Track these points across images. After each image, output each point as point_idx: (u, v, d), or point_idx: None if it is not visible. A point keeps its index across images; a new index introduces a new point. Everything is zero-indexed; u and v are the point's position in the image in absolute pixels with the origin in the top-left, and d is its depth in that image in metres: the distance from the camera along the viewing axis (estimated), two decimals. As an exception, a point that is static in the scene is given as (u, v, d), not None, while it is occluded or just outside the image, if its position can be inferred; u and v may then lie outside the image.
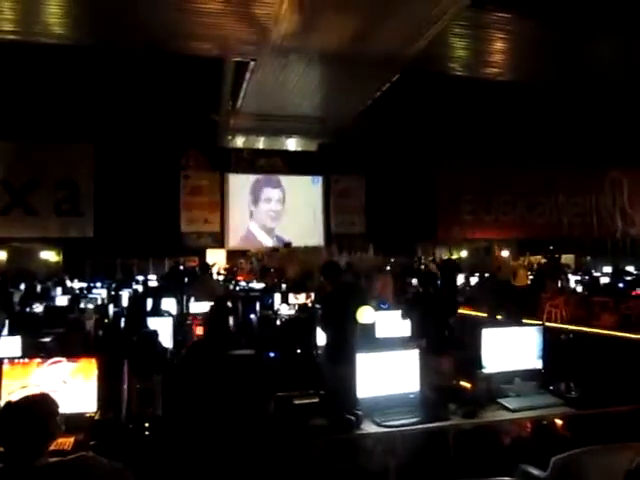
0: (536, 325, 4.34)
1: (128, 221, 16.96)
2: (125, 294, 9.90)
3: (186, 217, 19.03)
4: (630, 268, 17.05)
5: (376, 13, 10.09)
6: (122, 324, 6.55)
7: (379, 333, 5.47)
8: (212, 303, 5.38)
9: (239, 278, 15.48)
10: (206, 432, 3.22)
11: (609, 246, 22.03)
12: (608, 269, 17.27)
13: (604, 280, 14.21)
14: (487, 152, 19.54)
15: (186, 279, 12.91)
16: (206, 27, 10.86)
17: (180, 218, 18.92)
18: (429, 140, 18.52)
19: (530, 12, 10.70)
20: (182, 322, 6.88)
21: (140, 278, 15.10)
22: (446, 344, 4.67)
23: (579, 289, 13.91)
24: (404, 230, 18.75)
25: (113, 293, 10.99)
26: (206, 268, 11.11)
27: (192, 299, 8.57)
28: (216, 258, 17.94)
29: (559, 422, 3.80)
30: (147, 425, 3.15)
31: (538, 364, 3.91)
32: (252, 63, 12.40)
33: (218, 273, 15.32)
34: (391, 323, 5.62)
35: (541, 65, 13.18)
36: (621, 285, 12.94)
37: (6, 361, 3.24)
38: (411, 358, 3.54)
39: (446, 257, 19.73)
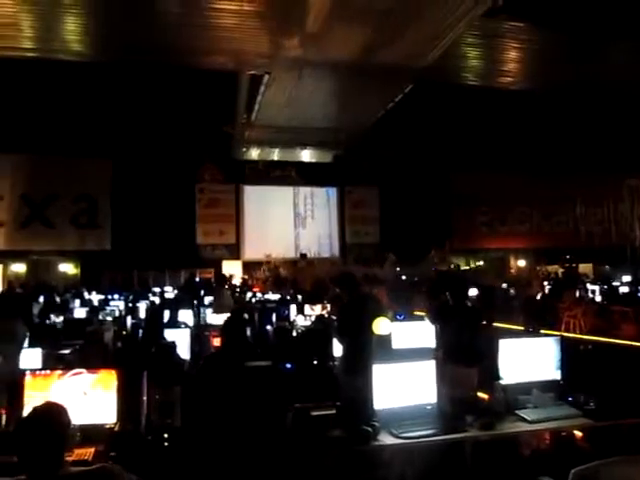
0: (554, 336, 4.31)
1: (145, 234, 17.15)
2: (142, 306, 9.98)
3: (202, 229, 19.19)
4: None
5: (389, 24, 10.18)
6: (140, 336, 6.60)
7: (395, 344, 5.45)
8: (228, 314, 5.42)
9: (255, 289, 15.53)
10: (224, 443, 3.24)
11: (628, 254, 21.72)
12: (627, 278, 17.04)
13: (623, 289, 14.03)
14: (502, 162, 19.46)
15: (202, 291, 13.00)
16: (220, 41, 11.02)
17: (196, 230, 19.07)
18: (443, 150, 18.51)
19: (543, 21, 10.70)
20: (199, 333, 6.92)
21: (157, 290, 15.21)
22: (476, 356, 4.64)
23: (598, 299, 13.75)
24: (418, 240, 18.69)
25: (130, 305, 11.08)
26: (223, 280, 11.18)
27: (208, 310, 8.63)
28: (232, 270, 18.04)
29: (578, 434, 3.76)
30: (166, 436, 3.18)
31: (556, 375, 3.88)
32: (266, 76, 12.53)
33: (234, 285, 15.42)
34: (408, 334, 5.61)
35: (555, 73, 13.14)
36: (640, 294, 12.78)
37: (28, 373, 3.30)
38: (428, 369, 3.54)
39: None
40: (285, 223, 20.34)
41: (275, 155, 19.23)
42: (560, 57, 12.21)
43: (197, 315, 8.65)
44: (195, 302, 10.76)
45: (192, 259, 18.24)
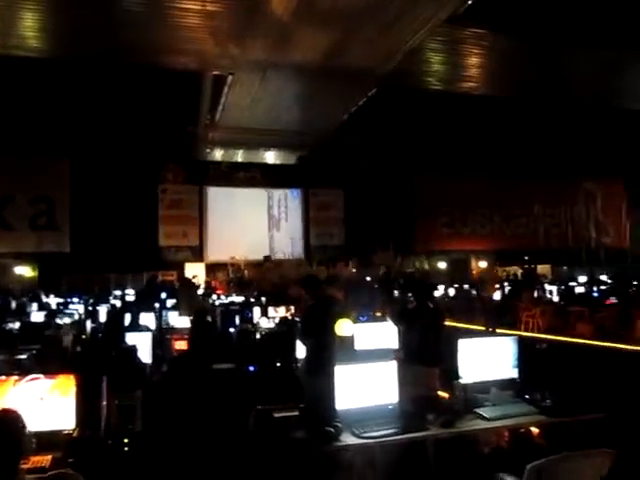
0: (512, 335, 4.42)
1: (105, 235, 16.82)
2: (103, 309, 9.78)
3: (164, 231, 18.93)
4: (604, 277, 17.36)
5: (353, 29, 10.26)
6: (100, 340, 6.47)
7: (358, 345, 5.49)
8: (192, 317, 5.37)
9: (218, 291, 15.42)
10: (187, 446, 3.21)
11: (584, 256, 22.40)
12: (583, 279, 17.56)
13: (579, 290, 14.45)
14: (464, 166, 19.82)
15: (164, 294, 12.82)
16: (183, 41, 10.91)
17: (158, 232, 18.80)
18: (407, 154, 18.73)
19: (504, 28, 10.95)
20: (161, 337, 6.83)
21: (118, 293, 14.94)
22: (437, 356, 4.73)
23: (555, 299, 14.14)
24: (383, 242, 18.86)
25: (90, 308, 10.86)
26: (191, 282, 11.09)
27: (171, 313, 8.53)
28: (195, 272, 17.84)
29: (535, 430, 3.86)
30: (127, 441, 3.14)
31: (514, 373, 3.97)
32: (230, 77, 12.46)
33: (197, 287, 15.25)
34: (370, 335, 5.65)
35: (515, 79, 13.47)
36: (596, 294, 13.18)
37: (-18, 379, 3.20)
38: (390, 370, 3.58)
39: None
40: (258, 225, 20.23)
41: (239, 156, 19.13)
42: (520, 63, 12.50)
43: (159, 318, 8.53)
44: (157, 305, 10.62)
45: (154, 261, 17.95)
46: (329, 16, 9.85)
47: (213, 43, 10.96)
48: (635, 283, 13.89)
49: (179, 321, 8.19)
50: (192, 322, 6.32)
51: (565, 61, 12.50)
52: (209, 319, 7.88)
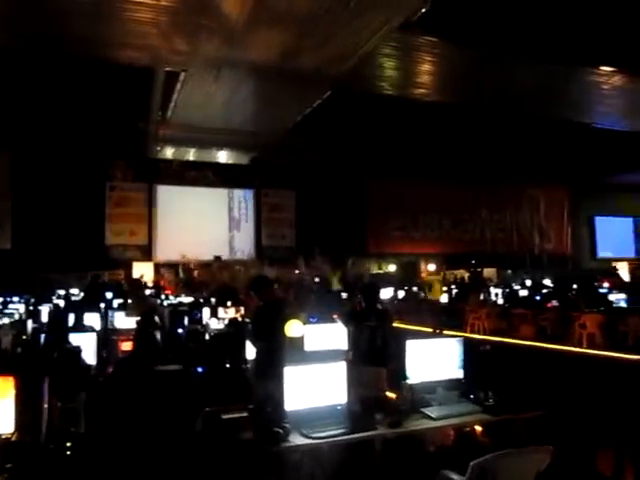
0: (458, 337, 4.53)
1: (49, 232, 16.25)
2: (45, 309, 9.47)
3: (111, 229, 18.45)
4: (547, 281, 18.00)
5: (308, 31, 10.29)
6: (42, 340, 6.26)
7: (308, 346, 5.51)
8: (138, 318, 5.26)
9: (167, 292, 15.15)
10: (132, 450, 3.14)
11: (528, 260, 23.17)
12: (527, 282, 18.15)
13: (523, 293, 14.93)
14: (415, 170, 20.19)
15: (110, 293, 12.52)
16: (135, 36, 10.66)
17: (105, 230, 18.31)
18: (359, 157, 18.93)
19: (455, 37, 11.20)
20: (107, 338, 6.66)
21: (61, 292, 14.47)
22: (385, 357, 4.81)
23: (500, 301, 14.58)
24: (334, 244, 18.99)
25: (32, 308, 10.48)
26: (140, 283, 10.88)
27: (117, 314, 8.33)
28: (143, 271, 17.49)
29: (478, 428, 3.98)
30: (69, 445, 3.04)
31: (459, 374, 4.08)
32: (183, 74, 12.27)
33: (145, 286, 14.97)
34: (320, 336, 5.68)
35: (465, 87, 13.79)
36: (538, 298, 13.65)
37: None
38: (339, 370, 3.61)
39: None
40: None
41: (191, 155, 18.86)
42: (470, 72, 12.81)
43: (105, 318, 8.32)
44: (103, 305, 10.36)
45: (100, 260, 17.48)
46: (284, 17, 9.85)
47: (165, 39, 10.75)
48: (575, 287, 14.46)
49: (126, 322, 8.02)
50: (138, 323, 6.19)
51: (512, 72, 12.89)
52: (157, 320, 7.74)
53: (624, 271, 20.49)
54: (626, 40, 10.84)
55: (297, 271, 17.23)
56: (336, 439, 3.20)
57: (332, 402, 3.51)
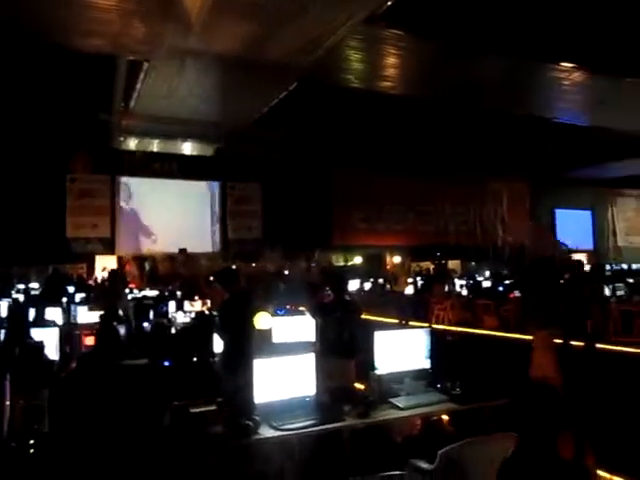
0: (424, 327, 4.59)
1: (8, 225, 15.76)
2: (4, 304, 9.19)
3: (73, 222, 18.01)
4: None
5: (273, 22, 10.21)
6: (1, 336, 6.08)
7: (276, 338, 5.50)
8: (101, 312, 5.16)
9: (131, 285, 14.90)
10: (97, 446, 3.08)
11: (491, 252, 23.61)
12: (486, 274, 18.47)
13: (486, 284, 15.20)
14: (380, 162, 20.31)
15: (72, 287, 12.25)
16: (96, 23, 10.39)
17: (66, 223, 17.87)
18: (325, 149, 18.93)
19: (420, 31, 11.28)
20: (69, 332, 6.52)
21: (21, 286, 14.07)
22: (353, 348, 4.84)
23: (464, 293, 14.82)
24: (301, 236, 19.00)
25: (-10, 303, 10.16)
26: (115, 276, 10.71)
27: (80, 308, 8.17)
28: (106, 265, 17.15)
29: (445, 417, 4.05)
30: (32, 442, 2.96)
31: (426, 364, 4.14)
32: (146, 63, 12.03)
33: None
34: (288, 328, 5.68)
35: (430, 81, 13.91)
36: (500, 289, 13.92)
37: None
38: (307, 362, 3.62)
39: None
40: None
41: (154, 146, 18.52)
42: (435, 66, 12.93)
43: (67, 313, 8.14)
44: (65, 299, 10.13)
45: (61, 253, 17.07)
46: (249, 8, 9.75)
47: (128, 27, 10.51)
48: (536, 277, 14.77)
49: (87, 316, 7.87)
50: (102, 317, 6.09)
51: (475, 66, 13.05)
52: (121, 313, 7.63)
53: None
54: (586, 37, 11.10)
55: (265, 263, 17.16)
56: (305, 430, 3.21)
57: (301, 394, 3.51)
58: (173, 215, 19.22)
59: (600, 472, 3.38)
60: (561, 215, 27.37)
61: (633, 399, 5.66)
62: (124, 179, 19.23)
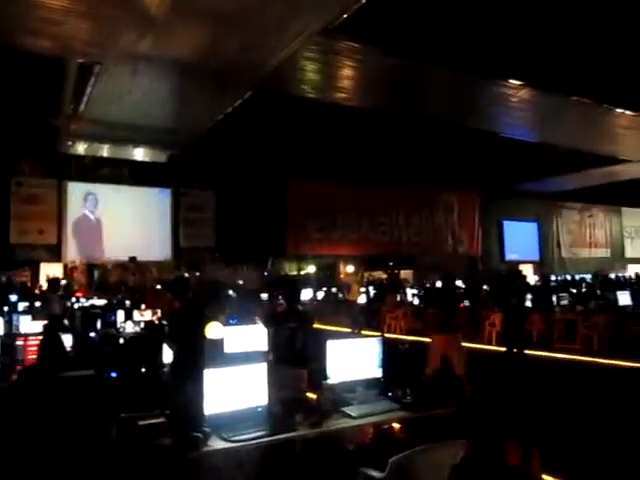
0: (376, 336, 4.62)
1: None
2: (-60, 313, 8.76)
3: (18, 227, 17.34)
4: (459, 283, 18.73)
5: (227, 30, 10.17)
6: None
7: (228, 348, 5.43)
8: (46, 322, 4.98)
9: (78, 294, 14.45)
10: (39, 461, 2.96)
11: (442, 262, 24.08)
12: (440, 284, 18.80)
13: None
14: (335, 172, 20.46)
15: (15, 296, 11.79)
16: (47, 23, 10.09)
17: (10, 228, 17.20)
18: (280, 158, 18.93)
19: (375, 43, 11.43)
20: (10, 343, 6.24)
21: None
22: (306, 358, 4.82)
23: (416, 302, 15.05)
24: (255, 245, 18.91)
25: None
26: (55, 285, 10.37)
27: (23, 317, 7.85)
28: (52, 272, 16.57)
29: (397, 426, 4.08)
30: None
31: (379, 373, 4.16)
32: (97, 66, 11.75)
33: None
34: (240, 338, 5.62)
35: (384, 93, 14.13)
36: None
37: None
38: (259, 372, 3.58)
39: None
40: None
41: (105, 151, 18.06)
42: (389, 79, 13.14)
43: (9, 322, 7.80)
44: (6, 308, 9.74)
45: (5, 260, 16.41)
46: (205, 15, 9.67)
47: (79, 29, 10.26)
48: (485, 288, 15.18)
49: (31, 326, 7.56)
50: (45, 327, 5.87)
51: (428, 80, 13.34)
52: (66, 323, 7.38)
53: (529, 273, 21.73)
54: (534, 55, 11.52)
55: (217, 272, 16.97)
56: (256, 442, 3.17)
57: (252, 404, 3.47)
58: (126, 222, 18.81)
59: (545, 476, 3.47)
60: (509, 226, 28.20)
61: (575, 404, 5.86)
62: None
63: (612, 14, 10.15)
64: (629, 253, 31.28)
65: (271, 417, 3.41)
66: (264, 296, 12.67)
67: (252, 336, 5.56)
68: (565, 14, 10.14)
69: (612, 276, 21.12)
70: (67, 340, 6.17)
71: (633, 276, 21.82)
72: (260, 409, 3.48)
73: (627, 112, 15.38)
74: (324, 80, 13.65)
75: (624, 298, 11.08)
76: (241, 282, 15.33)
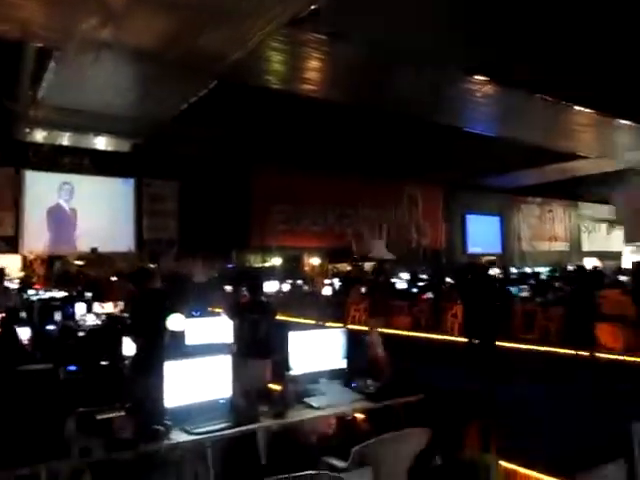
0: (340, 328, 4.64)
1: None
2: None
3: (-29, 218, 16.80)
4: (423, 275, 18.98)
5: (191, 19, 10.00)
6: None
7: (191, 340, 5.37)
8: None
9: (37, 286, 14.09)
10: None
11: (407, 255, 24.34)
12: (406, 276, 19.01)
13: (402, 285, 15.63)
14: (300, 164, 20.41)
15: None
16: (4, 6, 9.73)
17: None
18: (246, 149, 18.77)
19: (341, 35, 11.41)
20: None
21: None
22: (269, 349, 4.81)
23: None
24: (219, 237, 18.74)
25: None
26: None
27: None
28: (9, 264, 16.09)
29: (361, 416, 4.11)
30: None
31: (343, 364, 4.18)
32: (57, 52, 11.41)
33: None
34: (203, 330, 5.56)
35: (351, 87, 14.13)
36: (415, 290, 14.37)
37: None
38: (222, 364, 3.55)
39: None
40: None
41: (65, 139, 17.58)
42: (356, 72, 13.14)
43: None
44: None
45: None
46: (167, 4, 9.49)
47: (38, 13, 9.93)
48: (448, 280, 15.39)
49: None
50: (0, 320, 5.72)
51: (394, 74, 13.39)
52: (23, 315, 7.20)
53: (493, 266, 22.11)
54: (499, 52, 11.66)
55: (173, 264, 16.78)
56: (219, 434, 3.14)
57: (215, 396, 3.44)
58: (90, 213, 18.42)
59: (503, 462, 3.55)
60: (471, 220, 28.69)
61: (533, 391, 6.02)
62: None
63: (574, 15, 10.36)
64: (586, 247, 32.22)
65: (234, 409, 3.39)
66: (228, 288, 12.61)
67: (216, 328, 5.51)
68: (529, 13, 10.30)
69: (570, 268, 21.65)
70: (25, 333, 6.05)
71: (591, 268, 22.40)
72: (223, 401, 3.46)
73: (585, 110, 15.78)
74: (290, 71, 13.57)
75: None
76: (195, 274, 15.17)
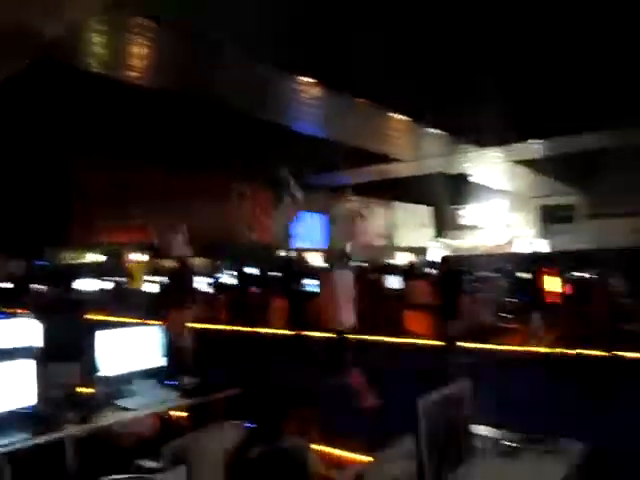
0: (158, 325, 4.52)
1: None
2: None
3: None
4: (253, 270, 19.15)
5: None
6: None
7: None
8: None
9: None
10: None
11: (237, 251, 24.35)
12: (233, 272, 19.03)
13: (232, 281, 15.64)
14: (125, 157, 19.43)
15: None
16: None
17: None
18: (64, 139, 17.33)
19: (165, 21, 10.98)
20: None
21: None
22: (77, 350, 4.50)
23: (210, 290, 15.08)
24: (33, 231, 17.13)
25: None
26: None
27: None
28: None
29: (183, 414, 4.06)
30: None
31: (162, 362, 4.08)
32: None
33: None
34: (7, 333, 5.05)
35: (177, 77, 13.74)
36: (239, 284, 14.55)
37: None
38: (25, 369, 3.27)
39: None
40: None
41: None
42: (182, 61, 12.78)
43: None
44: None
45: None
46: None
47: None
48: (279, 274, 15.70)
49: None
50: None
51: (221, 65, 13.25)
52: None
53: (318, 260, 23.05)
54: (327, 56, 12.11)
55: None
56: (17, 447, 2.89)
57: (17, 405, 3.16)
58: None
59: (318, 447, 3.73)
60: (299, 216, 29.54)
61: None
62: None
63: (390, 25, 11.08)
64: (398, 243, 35.10)
65: (37, 417, 3.14)
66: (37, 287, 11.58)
67: (22, 330, 5.03)
68: (360, 21, 10.77)
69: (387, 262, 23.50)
70: None
71: (407, 263, 24.44)
72: (25, 410, 3.18)
73: (400, 117, 17.17)
74: (113, 56, 12.80)
75: (393, 281, 12.51)
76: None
